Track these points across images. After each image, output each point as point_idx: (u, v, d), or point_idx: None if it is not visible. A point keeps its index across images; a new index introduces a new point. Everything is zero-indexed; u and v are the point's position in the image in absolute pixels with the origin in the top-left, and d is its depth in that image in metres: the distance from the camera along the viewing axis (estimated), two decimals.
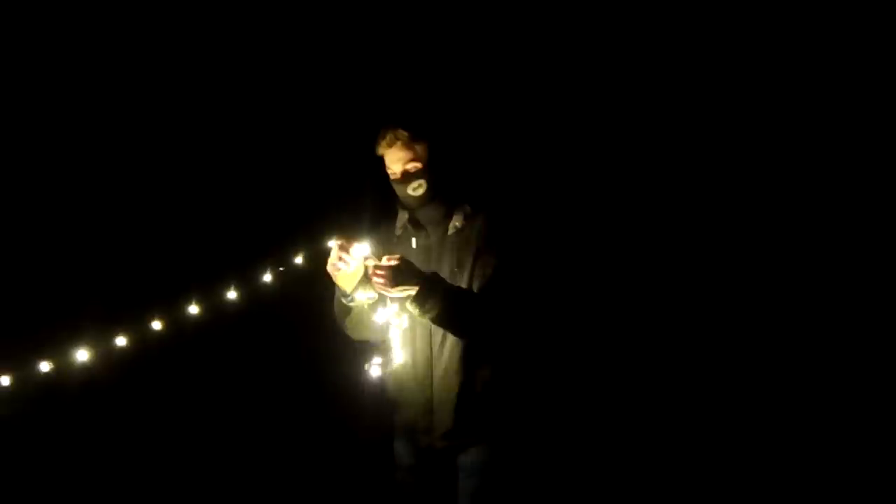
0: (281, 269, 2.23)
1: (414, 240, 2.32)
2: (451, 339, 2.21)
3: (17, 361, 1.88)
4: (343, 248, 2.10)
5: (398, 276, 2.04)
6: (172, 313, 2.11)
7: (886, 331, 3.01)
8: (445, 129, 2.30)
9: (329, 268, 2.13)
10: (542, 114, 3.32)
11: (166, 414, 3.25)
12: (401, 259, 2.07)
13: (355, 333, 2.36)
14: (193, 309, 2.14)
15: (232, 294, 2.20)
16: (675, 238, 3.23)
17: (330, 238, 2.14)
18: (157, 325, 2.11)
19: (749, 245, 3.19)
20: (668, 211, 3.25)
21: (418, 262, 2.20)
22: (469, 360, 2.20)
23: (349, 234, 2.14)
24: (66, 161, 3.25)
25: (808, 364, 3.09)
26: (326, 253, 2.15)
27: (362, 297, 2.19)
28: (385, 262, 2.06)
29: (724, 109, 3.20)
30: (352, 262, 2.11)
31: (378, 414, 2.44)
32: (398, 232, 2.36)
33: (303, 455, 3.31)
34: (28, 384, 1.88)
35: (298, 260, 2.23)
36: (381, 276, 2.04)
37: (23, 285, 3.10)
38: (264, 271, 2.22)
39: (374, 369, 2.18)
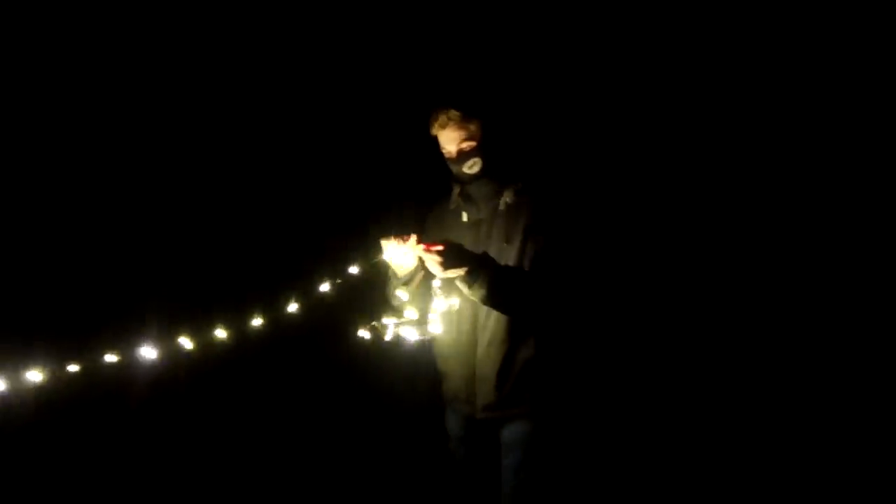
0: (338, 280, 2.25)
1: (465, 214, 2.36)
2: (495, 314, 2.24)
3: (86, 355, 1.93)
4: (400, 239, 2.16)
5: (447, 259, 2.08)
6: (236, 319, 2.15)
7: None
8: (498, 107, 2.31)
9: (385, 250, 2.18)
10: (593, 94, 3.31)
11: (240, 407, 3.37)
12: (447, 242, 2.11)
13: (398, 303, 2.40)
14: (256, 321, 2.17)
15: (293, 306, 2.23)
16: (725, 223, 3.25)
17: (387, 237, 2.19)
18: (221, 332, 2.14)
19: (785, 232, 3.21)
20: (717, 197, 3.26)
21: (468, 236, 2.29)
22: (513, 335, 2.24)
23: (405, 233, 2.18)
24: (144, 172, 3.32)
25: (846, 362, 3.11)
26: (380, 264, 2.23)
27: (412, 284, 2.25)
28: (433, 248, 2.10)
29: (774, 100, 3.20)
30: (405, 251, 2.15)
31: (431, 388, 2.50)
32: (451, 206, 2.41)
33: (361, 427, 3.42)
34: (95, 377, 1.93)
35: (353, 270, 2.26)
36: (434, 260, 2.09)
37: (99, 286, 3.18)
38: (322, 282, 2.24)
39: (398, 330, 2.22)
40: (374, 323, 2.24)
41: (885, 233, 3.08)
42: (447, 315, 2.28)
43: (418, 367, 2.55)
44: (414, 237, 2.15)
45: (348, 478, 3.34)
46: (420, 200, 2.57)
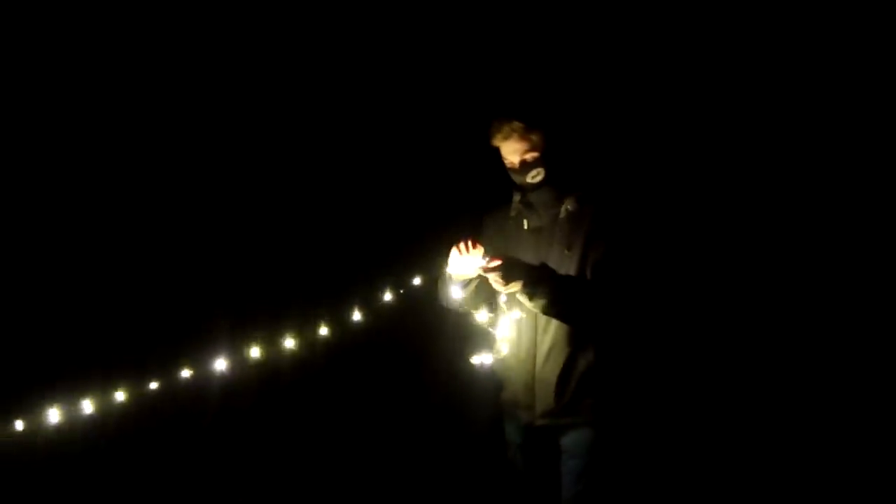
0: (401, 290, 2.29)
1: (526, 221, 2.35)
2: (555, 322, 2.22)
3: (162, 369, 2.01)
4: (468, 245, 2.16)
5: (507, 273, 2.08)
6: (303, 330, 2.21)
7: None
8: (560, 116, 2.30)
9: (452, 254, 2.19)
10: (654, 106, 3.27)
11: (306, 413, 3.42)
12: (505, 257, 2.11)
13: (450, 305, 2.40)
14: (323, 330, 2.23)
15: (356, 315, 2.28)
16: (780, 237, 3.18)
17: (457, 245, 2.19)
18: (289, 342, 2.20)
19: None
20: (773, 211, 3.19)
21: (529, 243, 2.29)
22: (573, 342, 2.21)
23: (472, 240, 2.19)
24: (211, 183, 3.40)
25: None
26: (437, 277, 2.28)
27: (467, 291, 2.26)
28: (490, 264, 2.09)
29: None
30: (470, 260, 2.15)
31: (491, 398, 2.49)
32: (512, 213, 2.39)
33: (425, 437, 3.42)
34: (172, 391, 2.00)
35: (416, 281, 2.28)
36: (494, 275, 2.09)
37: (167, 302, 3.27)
38: (384, 292, 2.28)
39: (482, 358, 2.25)
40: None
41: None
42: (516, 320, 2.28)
43: (478, 375, 2.50)
44: (480, 247, 2.16)
45: (410, 485, 3.35)
46: (477, 209, 2.56)
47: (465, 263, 2.17)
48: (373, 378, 3.46)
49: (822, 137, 3.13)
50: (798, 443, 3.11)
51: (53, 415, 1.67)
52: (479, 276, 2.20)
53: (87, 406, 1.72)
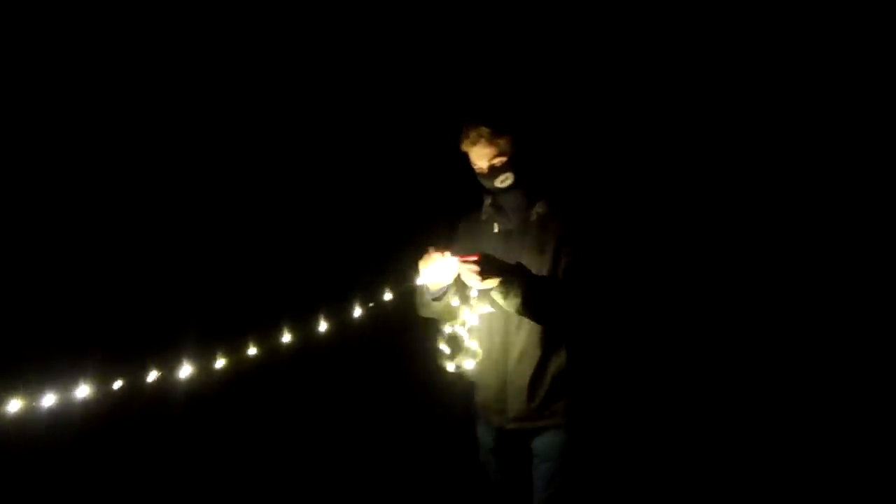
0: (371, 304, 2.27)
1: (496, 224, 2.38)
2: (527, 324, 2.25)
3: (127, 371, 2.03)
4: (438, 251, 2.21)
5: (484, 269, 2.12)
6: (267, 338, 2.20)
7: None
8: (528, 121, 2.32)
9: (422, 263, 2.23)
10: (619, 107, 3.33)
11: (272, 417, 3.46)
12: (480, 254, 2.15)
13: (428, 315, 2.44)
14: (287, 337, 2.22)
15: (323, 325, 2.27)
16: (746, 237, 3.26)
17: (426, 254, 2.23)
18: (252, 350, 2.18)
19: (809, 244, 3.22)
20: (740, 214, 3.27)
21: (499, 246, 2.31)
22: (544, 346, 2.25)
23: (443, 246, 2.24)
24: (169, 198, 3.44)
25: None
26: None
27: (444, 298, 2.30)
28: (469, 258, 2.14)
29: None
30: (443, 266, 2.20)
31: (463, 400, 2.53)
32: (483, 217, 2.42)
33: (397, 441, 3.50)
34: (138, 392, 2.03)
35: (387, 296, 2.28)
36: (471, 270, 2.13)
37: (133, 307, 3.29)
38: (354, 307, 2.27)
39: (459, 363, 2.28)
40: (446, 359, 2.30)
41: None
42: (480, 327, 2.31)
43: (450, 378, 2.56)
44: (448, 252, 2.20)
45: (380, 489, 3.38)
46: (450, 215, 2.60)
47: (437, 271, 2.20)
48: (345, 384, 3.50)
49: (784, 138, 3.20)
50: (767, 439, 3.19)
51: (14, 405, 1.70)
52: (453, 282, 2.24)
53: (50, 400, 1.75)
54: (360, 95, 3.47)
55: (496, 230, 2.39)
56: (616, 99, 3.32)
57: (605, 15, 3.30)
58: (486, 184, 2.33)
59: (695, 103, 3.26)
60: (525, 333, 2.26)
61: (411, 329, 2.68)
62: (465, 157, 2.35)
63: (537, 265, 2.26)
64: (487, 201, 2.42)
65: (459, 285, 2.27)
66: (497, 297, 2.17)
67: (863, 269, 3.16)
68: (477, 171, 2.33)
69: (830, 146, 3.17)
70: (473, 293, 2.25)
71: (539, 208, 2.31)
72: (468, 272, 2.14)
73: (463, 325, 2.30)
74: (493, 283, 2.14)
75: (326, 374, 3.40)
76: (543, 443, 2.31)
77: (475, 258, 2.14)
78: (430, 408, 3.29)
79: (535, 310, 2.17)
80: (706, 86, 3.25)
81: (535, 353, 2.26)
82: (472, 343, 2.29)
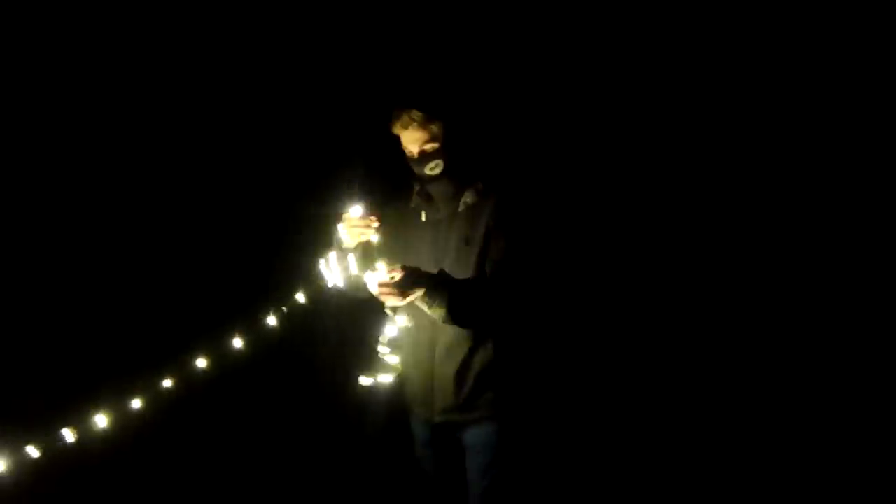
0: (283, 308, 2.24)
1: (424, 213, 2.34)
2: None
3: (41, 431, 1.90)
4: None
5: (405, 284, 2.08)
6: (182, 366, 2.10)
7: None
8: (461, 108, 2.28)
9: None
10: (554, 96, 3.26)
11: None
12: (403, 269, 2.10)
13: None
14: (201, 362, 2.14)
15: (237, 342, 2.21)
16: (674, 229, 3.27)
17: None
18: (167, 382, 2.07)
19: (744, 241, 3.24)
20: (669, 203, 3.28)
21: (427, 235, 2.30)
22: (470, 339, 2.23)
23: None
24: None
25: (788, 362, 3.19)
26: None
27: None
28: (389, 277, 2.09)
29: (731, 105, 3.19)
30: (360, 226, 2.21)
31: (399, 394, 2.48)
32: (412, 205, 2.38)
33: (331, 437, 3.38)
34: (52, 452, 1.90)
35: (300, 298, 2.24)
36: (389, 292, 2.08)
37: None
38: (267, 313, 2.23)
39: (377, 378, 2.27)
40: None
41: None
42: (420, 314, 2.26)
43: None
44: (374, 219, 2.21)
45: (317, 484, 3.29)
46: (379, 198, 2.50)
47: (356, 231, 2.21)
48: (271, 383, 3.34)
49: (714, 123, 3.21)
50: (690, 425, 3.25)
51: None
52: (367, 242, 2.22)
53: None
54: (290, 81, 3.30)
55: (424, 219, 2.34)
56: (548, 88, 3.28)
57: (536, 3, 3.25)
58: (417, 170, 2.27)
59: (628, 92, 3.25)
60: (450, 328, 2.22)
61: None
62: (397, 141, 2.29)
63: (463, 257, 2.22)
64: (416, 188, 2.36)
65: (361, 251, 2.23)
66: (422, 306, 2.13)
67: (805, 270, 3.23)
68: (408, 155, 2.28)
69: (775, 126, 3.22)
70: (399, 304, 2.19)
71: (467, 198, 2.27)
72: (387, 295, 2.10)
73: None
74: (415, 296, 2.10)
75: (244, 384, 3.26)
76: (474, 435, 2.30)
77: (397, 274, 2.08)
78: (362, 403, 3.23)
79: (460, 319, 2.14)
80: (638, 69, 3.24)
81: (461, 347, 2.24)
82: (391, 358, 2.26)
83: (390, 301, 2.13)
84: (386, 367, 2.27)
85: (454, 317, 2.12)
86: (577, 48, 3.24)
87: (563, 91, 3.26)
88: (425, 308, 2.13)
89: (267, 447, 3.32)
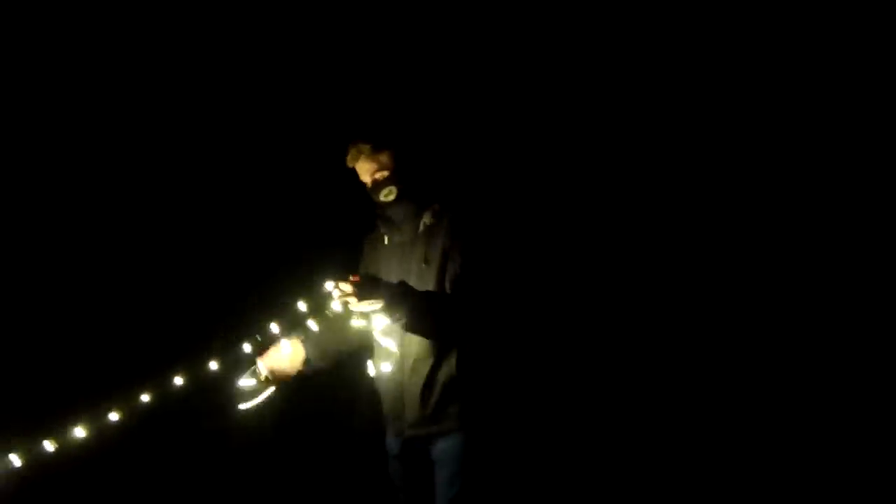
0: (258, 337, 2.28)
1: (387, 237, 2.43)
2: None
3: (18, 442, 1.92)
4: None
5: (362, 291, 2.13)
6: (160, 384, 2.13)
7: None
8: (409, 134, 2.38)
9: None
10: (503, 114, 3.35)
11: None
12: (361, 276, 2.17)
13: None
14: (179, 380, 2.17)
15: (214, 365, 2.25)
16: (636, 234, 3.31)
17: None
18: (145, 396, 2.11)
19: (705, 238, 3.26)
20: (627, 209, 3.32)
21: (394, 259, 2.38)
22: (435, 353, 2.27)
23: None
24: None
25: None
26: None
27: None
28: (349, 281, 2.13)
29: (680, 107, 3.25)
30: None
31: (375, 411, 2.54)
32: (381, 230, 2.46)
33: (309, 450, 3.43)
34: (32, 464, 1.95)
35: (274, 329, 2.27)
36: (347, 293, 2.12)
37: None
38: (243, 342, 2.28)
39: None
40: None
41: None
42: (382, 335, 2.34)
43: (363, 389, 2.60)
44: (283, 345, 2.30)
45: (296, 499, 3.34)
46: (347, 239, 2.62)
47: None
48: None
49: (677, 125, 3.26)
50: (664, 435, 3.26)
51: None
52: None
53: None
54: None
55: (387, 243, 2.43)
56: (495, 103, 3.35)
57: (475, 20, 3.33)
58: (374, 198, 2.37)
59: (584, 102, 3.30)
60: (416, 341, 2.29)
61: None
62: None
63: (425, 277, 2.28)
64: (378, 215, 2.46)
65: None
66: (384, 316, 2.18)
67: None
68: (364, 184, 2.39)
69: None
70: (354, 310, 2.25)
71: (426, 218, 2.35)
72: (343, 296, 2.14)
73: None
74: (375, 304, 2.15)
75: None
76: (441, 449, 2.33)
77: (354, 279, 2.14)
78: (339, 418, 3.28)
79: (422, 328, 2.20)
80: (594, 80, 3.29)
81: (426, 361, 2.29)
82: (389, 342, 2.31)
83: (351, 304, 2.16)
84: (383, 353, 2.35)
85: (415, 326, 2.18)
86: (523, 61, 3.32)
87: (508, 105, 3.34)
88: (388, 319, 2.19)
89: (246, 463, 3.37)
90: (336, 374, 2.56)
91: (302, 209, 3.37)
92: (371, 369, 2.42)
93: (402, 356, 2.33)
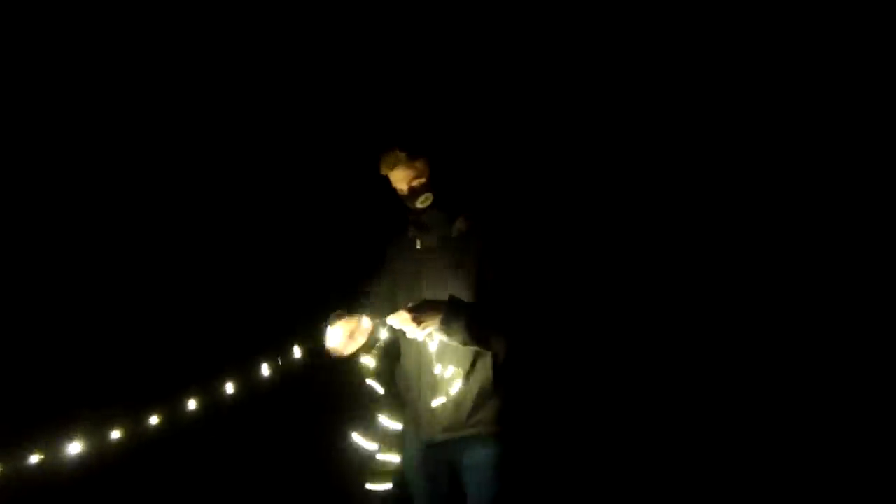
0: (279, 360, 2.25)
1: (419, 241, 2.39)
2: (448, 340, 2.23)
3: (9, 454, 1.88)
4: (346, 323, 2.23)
5: (420, 315, 2.13)
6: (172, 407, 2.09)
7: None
8: (444, 140, 2.36)
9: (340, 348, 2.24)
10: (539, 120, 3.34)
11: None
12: (411, 305, 2.16)
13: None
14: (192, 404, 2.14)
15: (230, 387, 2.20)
16: (666, 240, 3.31)
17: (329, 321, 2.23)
18: (154, 419, 2.07)
19: (743, 247, 3.26)
20: (659, 215, 3.32)
21: (421, 263, 2.35)
22: (471, 358, 2.24)
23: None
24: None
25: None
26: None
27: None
28: (402, 313, 2.14)
29: (712, 115, 3.24)
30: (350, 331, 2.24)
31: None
32: (410, 234, 2.44)
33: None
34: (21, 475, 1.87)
35: (297, 353, 2.26)
36: (409, 321, 2.13)
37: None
38: (262, 363, 2.24)
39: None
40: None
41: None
42: (407, 341, 2.30)
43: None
44: (364, 318, 2.24)
45: None
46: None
47: (342, 334, 2.24)
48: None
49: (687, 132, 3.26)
50: (701, 440, 3.23)
51: None
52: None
53: None
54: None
55: (419, 247, 2.39)
56: (528, 113, 3.34)
57: (506, 30, 3.32)
58: (409, 204, 2.35)
59: (609, 108, 3.30)
60: (449, 349, 2.24)
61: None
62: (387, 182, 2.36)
63: (457, 282, 2.25)
64: (411, 218, 2.42)
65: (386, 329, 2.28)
66: (440, 335, 2.18)
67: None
68: (399, 193, 2.36)
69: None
70: (419, 336, 2.22)
71: (460, 224, 2.33)
72: (405, 324, 2.15)
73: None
74: (433, 325, 2.14)
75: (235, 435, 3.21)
76: (471, 456, 2.29)
77: (410, 308, 2.14)
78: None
79: (479, 339, 2.18)
80: (617, 85, 3.28)
81: (459, 366, 2.25)
82: (390, 457, 2.33)
83: (410, 332, 2.17)
84: (384, 473, 2.32)
85: (473, 338, 2.16)
86: (550, 65, 3.33)
87: (541, 113, 3.34)
88: (443, 335, 2.17)
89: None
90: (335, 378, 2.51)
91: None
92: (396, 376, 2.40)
93: (433, 362, 2.28)
